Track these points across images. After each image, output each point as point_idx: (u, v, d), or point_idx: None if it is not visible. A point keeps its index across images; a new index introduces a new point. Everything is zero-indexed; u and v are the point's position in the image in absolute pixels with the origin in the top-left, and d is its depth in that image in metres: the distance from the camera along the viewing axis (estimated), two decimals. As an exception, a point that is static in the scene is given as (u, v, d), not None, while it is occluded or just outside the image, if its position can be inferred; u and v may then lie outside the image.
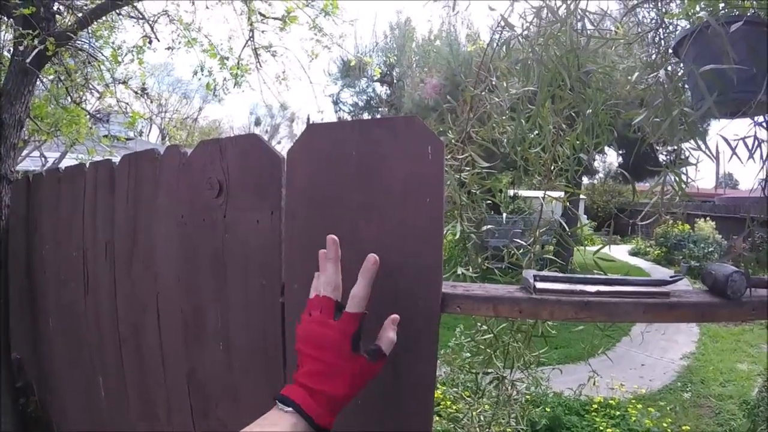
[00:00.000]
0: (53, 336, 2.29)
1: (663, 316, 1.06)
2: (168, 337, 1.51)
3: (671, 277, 1.18)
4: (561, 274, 1.21)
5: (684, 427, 4.06)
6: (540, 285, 1.11)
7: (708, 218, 11.83)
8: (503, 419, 1.94)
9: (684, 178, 1.35)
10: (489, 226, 1.90)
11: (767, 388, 4.59)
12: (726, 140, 1.18)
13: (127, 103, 3.22)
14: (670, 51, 1.47)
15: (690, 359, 6.02)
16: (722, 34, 1.11)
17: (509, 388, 1.89)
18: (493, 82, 1.73)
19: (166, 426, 1.58)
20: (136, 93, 3.44)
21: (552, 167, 1.83)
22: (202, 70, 3.34)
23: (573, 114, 1.69)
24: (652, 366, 5.38)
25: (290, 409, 0.75)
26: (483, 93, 1.77)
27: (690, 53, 1.33)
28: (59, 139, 3.47)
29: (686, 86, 1.50)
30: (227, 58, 3.23)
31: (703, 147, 1.25)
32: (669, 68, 1.45)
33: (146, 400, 1.68)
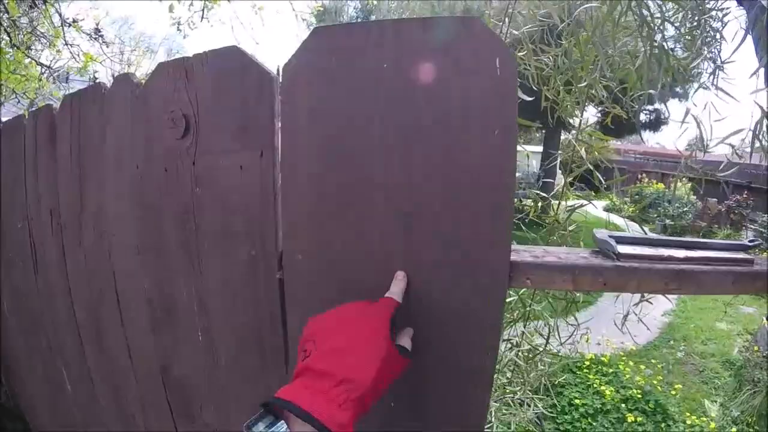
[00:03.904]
0: (8, 322, 1.89)
1: (748, 287, 0.85)
2: (131, 323, 1.14)
3: (750, 241, 0.96)
4: (638, 235, 0.92)
5: (676, 386, 3.94)
6: (623, 249, 0.82)
7: (684, 179, 11.80)
8: (517, 381, 1.67)
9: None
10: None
11: (747, 349, 4.53)
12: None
13: (79, 46, 2.71)
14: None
15: (671, 316, 5.94)
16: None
17: (533, 356, 1.61)
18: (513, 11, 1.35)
19: (143, 428, 1.23)
20: (89, 35, 2.91)
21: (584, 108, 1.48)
22: None
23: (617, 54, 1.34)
24: (634, 322, 5.20)
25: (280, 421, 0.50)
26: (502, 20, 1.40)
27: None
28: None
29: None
30: None
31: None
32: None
33: (117, 397, 1.32)
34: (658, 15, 1.14)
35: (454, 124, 0.67)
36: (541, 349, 1.43)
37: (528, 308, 1.31)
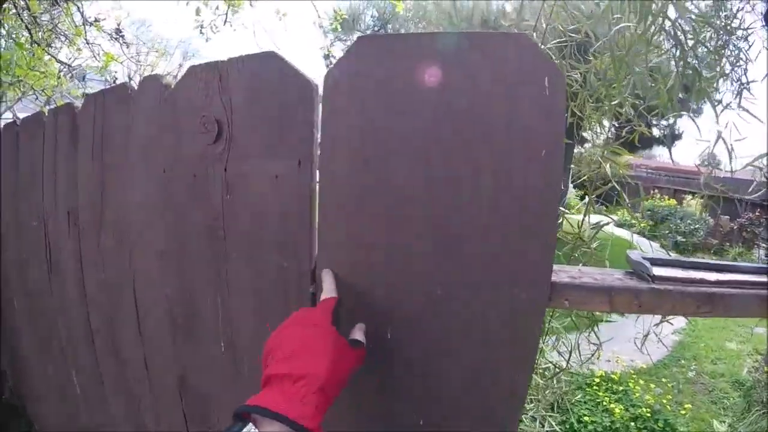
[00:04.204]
0: (19, 323, 1.86)
1: None
2: (150, 331, 1.12)
3: None
4: (671, 257, 0.93)
5: (686, 406, 3.88)
6: (657, 271, 0.81)
7: (695, 195, 11.72)
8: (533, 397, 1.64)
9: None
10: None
11: (756, 369, 4.47)
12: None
13: (99, 45, 2.70)
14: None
15: (681, 335, 5.86)
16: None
17: (554, 375, 1.58)
18: (542, 25, 1.34)
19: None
20: (110, 35, 2.90)
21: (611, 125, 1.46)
22: None
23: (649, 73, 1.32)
24: (651, 341, 5.14)
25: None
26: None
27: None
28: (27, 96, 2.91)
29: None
30: None
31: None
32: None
33: (129, 404, 1.29)
34: (691, 36, 1.12)
35: (500, 143, 0.64)
36: (559, 368, 1.40)
37: (548, 324, 1.29)
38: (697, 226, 10.75)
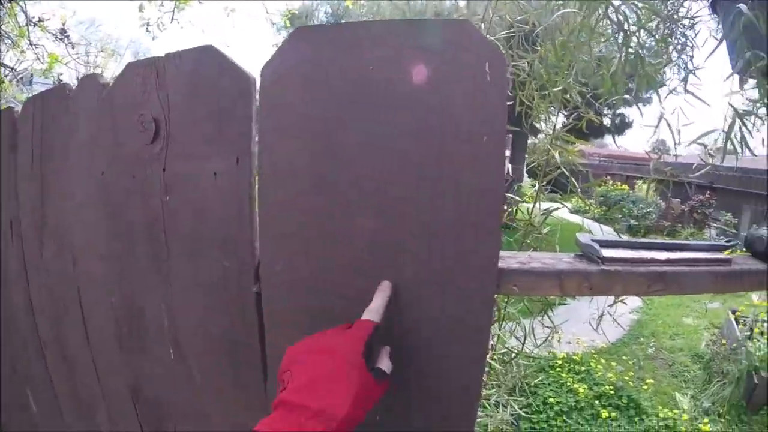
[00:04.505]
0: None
1: (729, 286, 0.88)
2: (98, 340, 1.07)
3: (727, 241, 0.96)
4: (620, 239, 0.93)
5: (648, 381, 4.02)
6: (607, 253, 0.81)
7: (646, 180, 12.15)
8: (493, 383, 1.65)
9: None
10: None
11: (714, 342, 4.67)
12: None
13: (44, 46, 2.56)
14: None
15: (639, 313, 6.07)
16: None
17: (511, 360, 1.59)
18: (489, 15, 1.34)
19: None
20: (54, 36, 2.75)
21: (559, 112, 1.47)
22: None
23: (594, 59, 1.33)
24: (604, 320, 5.30)
25: None
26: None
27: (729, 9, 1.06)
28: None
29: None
30: None
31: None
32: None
33: (85, 415, 1.24)
34: (635, 22, 1.14)
35: (441, 129, 0.63)
36: (516, 351, 1.42)
37: (504, 311, 1.30)
38: (649, 209, 11.17)
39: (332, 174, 0.67)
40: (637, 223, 10.68)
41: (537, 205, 1.33)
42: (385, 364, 0.62)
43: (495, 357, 1.43)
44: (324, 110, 0.67)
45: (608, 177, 13.69)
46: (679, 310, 6.20)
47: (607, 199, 12.58)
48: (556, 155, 1.26)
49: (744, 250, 1.01)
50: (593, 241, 0.85)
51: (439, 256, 0.66)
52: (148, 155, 0.83)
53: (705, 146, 1.23)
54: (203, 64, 0.76)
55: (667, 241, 0.95)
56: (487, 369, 1.59)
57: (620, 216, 11.25)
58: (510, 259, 0.76)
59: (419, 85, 0.63)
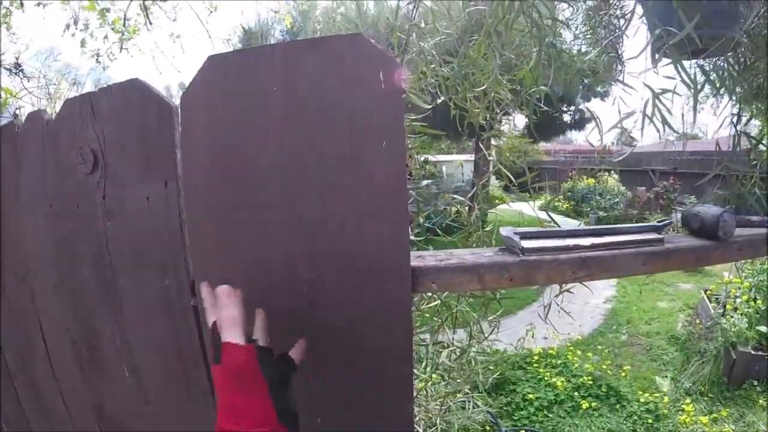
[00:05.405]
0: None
1: (661, 265, 0.90)
2: (60, 366, 1.09)
3: (659, 221, 1.01)
4: (545, 229, 0.95)
5: (625, 367, 4.08)
6: (527, 244, 0.84)
7: (612, 171, 12.32)
8: (458, 388, 1.69)
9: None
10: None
11: (690, 323, 4.75)
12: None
13: None
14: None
15: (613, 302, 6.13)
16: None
17: (462, 356, 1.62)
18: (422, 24, 1.40)
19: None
20: (8, 70, 2.77)
21: (490, 114, 1.52)
22: (75, 23, 2.72)
23: (512, 56, 1.39)
24: (579, 312, 5.33)
25: None
26: (410, 39, 1.43)
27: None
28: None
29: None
30: (108, 10, 2.63)
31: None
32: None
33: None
34: (548, 15, 1.19)
35: (344, 137, 0.68)
36: (466, 349, 1.45)
37: (455, 311, 1.34)
38: (616, 200, 11.29)
39: (245, 191, 0.71)
40: (605, 214, 10.80)
41: (481, 205, 1.37)
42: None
43: (452, 356, 1.47)
44: (235, 131, 0.71)
45: (573, 172, 13.83)
46: (653, 295, 6.28)
47: (575, 193, 12.73)
48: (493, 154, 1.32)
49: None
50: (514, 233, 0.87)
51: (353, 256, 0.71)
52: (89, 185, 0.87)
53: (625, 130, 1.27)
54: (130, 96, 0.80)
55: (598, 226, 0.98)
56: (443, 370, 1.62)
57: (589, 209, 11.39)
58: (429, 258, 0.80)
59: (319, 98, 0.68)
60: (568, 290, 1.32)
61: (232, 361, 0.57)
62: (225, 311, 0.61)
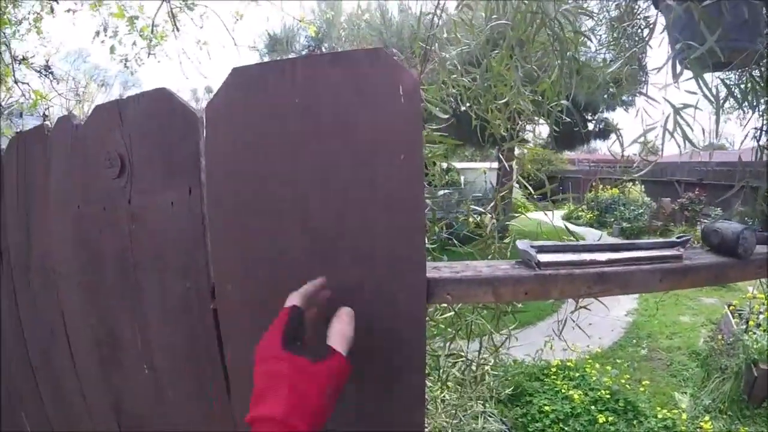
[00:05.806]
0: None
1: (679, 283, 0.87)
2: (82, 361, 1.12)
3: (678, 237, 0.99)
4: (561, 243, 0.94)
5: (644, 382, 3.99)
6: (543, 258, 0.84)
7: (636, 182, 12.08)
8: (470, 400, 1.67)
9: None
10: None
11: (712, 338, 4.63)
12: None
13: (28, 84, 2.67)
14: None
15: (634, 315, 6.02)
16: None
17: (475, 368, 1.61)
18: (444, 36, 1.40)
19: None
20: (38, 72, 2.87)
21: (512, 125, 1.52)
22: (105, 30, 2.80)
23: (534, 68, 1.38)
24: (599, 324, 5.24)
25: None
26: (433, 48, 1.43)
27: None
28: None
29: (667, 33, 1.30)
30: (137, 18, 2.71)
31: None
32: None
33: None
34: (570, 28, 1.18)
35: (363, 150, 0.69)
36: (478, 361, 1.44)
37: (470, 322, 1.33)
38: (640, 210, 11.02)
39: (265, 201, 0.73)
40: (629, 225, 10.58)
41: (499, 216, 1.37)
42: (334, 340, 0.62)
43: (462, 367, 1.46)
44: (256, 143, 0.73)
45: (597, 182, 13.59)
46: (675, 309, 6.14)
47: (599, 203, 12.52)
48: (514, 164, 1.31)
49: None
50: (531, 247, 0.88)
51: (369, 268, 0.72)
52: (116, 188, 0.90)
53: (646, 144, 1.26)
54: (157, 105, 0.83)
55: (616, 241, 0.97)
56: (456, 383, 1.61)
57: (612, 219, 11.16)
58: (444, 269, 0.81)
59: (339, 112, 0.69)
60: (584, 307, 1.30)
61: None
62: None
